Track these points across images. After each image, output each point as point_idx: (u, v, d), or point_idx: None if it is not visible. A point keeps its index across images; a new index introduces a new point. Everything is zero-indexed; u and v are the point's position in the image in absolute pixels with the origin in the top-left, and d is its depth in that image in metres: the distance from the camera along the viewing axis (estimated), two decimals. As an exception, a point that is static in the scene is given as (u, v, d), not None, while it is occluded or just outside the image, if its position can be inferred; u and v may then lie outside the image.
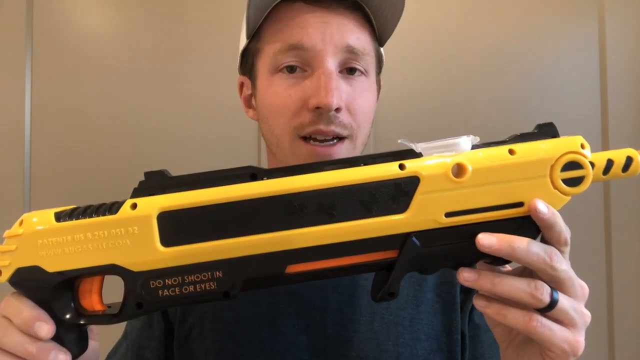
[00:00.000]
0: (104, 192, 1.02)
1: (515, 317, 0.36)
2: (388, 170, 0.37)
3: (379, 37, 0.58)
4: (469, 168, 0.36)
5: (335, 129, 0.52)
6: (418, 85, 1.02)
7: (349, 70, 0.54)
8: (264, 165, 1.00)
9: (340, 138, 0.53)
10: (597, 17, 1.02)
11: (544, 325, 0.36)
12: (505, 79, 1.02)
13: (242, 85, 0.62)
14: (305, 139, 0.53)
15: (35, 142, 1.05)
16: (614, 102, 1.01)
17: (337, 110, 0.51)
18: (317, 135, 0.52)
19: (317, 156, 0.52)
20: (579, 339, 0.37)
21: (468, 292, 0.58)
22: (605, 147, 1.00)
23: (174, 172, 0.37)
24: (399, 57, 0.98)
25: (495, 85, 1.02)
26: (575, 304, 0.37)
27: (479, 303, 0.38)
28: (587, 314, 0.38)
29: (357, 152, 0.56)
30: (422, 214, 0.36)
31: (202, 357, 0.56)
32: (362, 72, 0.55)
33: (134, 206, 0.36)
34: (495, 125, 1.01)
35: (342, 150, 0.53)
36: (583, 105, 1.01)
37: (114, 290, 0.41)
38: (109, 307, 0.39)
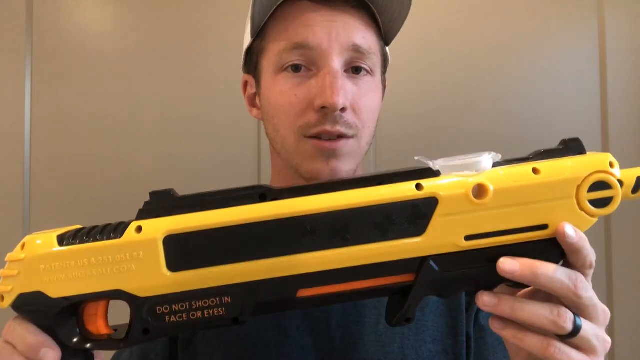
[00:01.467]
0: (105, 193, 1.02)
1: (533, 342, 0.35)
2: (404, 190, 0.35)
3: (385, 36, 0.57)
4: (491, 189, 0.34)
5: (340, 129, 0.51)
6: (418, 85, 1.01)
7: (354, 70, 0.53)
8: (264, 164, 1.00)
9: (345, 137, 0.52)
10: (597, 17, 1.01)
11: (562, 352, 0.35)
12: (505, 79, 1.01)
13: (246, 84, 0.61)
14: (310, 137, 0.52)
15: (35, 144, 1.04)
16: (614, 102, 1.00)
17: (343, 110, 0.51)
18: (322, 135, 0.52)
19: (323, 151, 0.51)
20: None
21: (473, 294, 0.57)
22: (605, 147, 1.00)
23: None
24: (399, 58, 0.96)
25: (496, 86, 1.00)
26: (597, 331, 0.36)
27: (495, 325, 0.37)
28: (608, 340, 0.37)
29: (363, 152, 0.55)
30: (440, 237, 0.35)
31: (206, 359, 0.56)
32: (367, 72, 0.54)
33: (139, 229, 0.35)
34: (495, 125, 1.00)
35: (347, 145, 0.52)
36: (583, 105, 1.00)
37: (120, 310, 0.40)
38: (115, 330, 0.38)
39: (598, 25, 1.01)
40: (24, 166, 1.03)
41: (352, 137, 0.52)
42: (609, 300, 0.99)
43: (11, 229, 1.02)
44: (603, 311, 0.37)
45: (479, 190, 0.35)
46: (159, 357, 0.58)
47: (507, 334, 0.36)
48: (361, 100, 0.53)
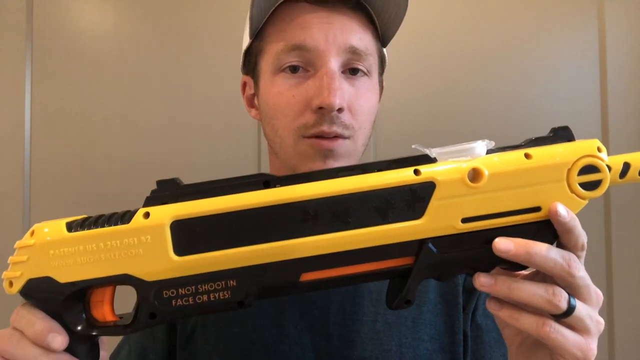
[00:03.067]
0: (105, 193, 1.02)
1: (528, 322, 0.36)
2: (403, 176, 0.36)
3: (382, 37, 0.58)
4: (486, 173, 0.36)
5: (337, 129, 0.52)
6: (418, 86, 1.02)
7: (351, 71, 0.54)
8: (264, 164, 1.01)
9: (341, 137, 0.53)
10: (597, 17, 1.02)
11: (557, 331, 0.36)
12: (505, 80, 1.02)
13: (244, 85, 0.62)
14: (308, 138, 0.53)
15: (35, 144, 1.04)
16: (614, 102, 1.01)
17: (340, 110, 0.52)
18: (319, 136, 0.52)
19: (321, 149, 0.52)
20: (592, 346, 0.37)
21: (471, 293, 0.58)
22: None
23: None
24: (398, 59, 0.98)
25: (495, 86, 1.02)
26: (590, 311, 0.37)
27: (491, 306, 0.37)
28: (601, 321, 0.38)
29: (359, 153, 0.56)
30: (438, 220, 0.36)
31: (205, 358, 0.56)
32: (364, 73, 0.55)
33: (147, 215, 0.36)
34: (495, 125, 1.01)
35: (344, 146, 0.53)
36: (583, 105, 1.01)
37: (124, 298, 0.41)
38: (121, 317, 0.38)
39: (598, 25, 1.02)
40: (24, 166, 1.03)
41: (348, 137, 0.53)
42: (608, 300, 0.99)
43: (11, 229, 1.02)
44: (596, 293, 0.38)
45: (475, 174, 0.36)
46: (158, 357, 0.58)
47: (504, 314, 0.37)
48: (358, 101, 0.53)
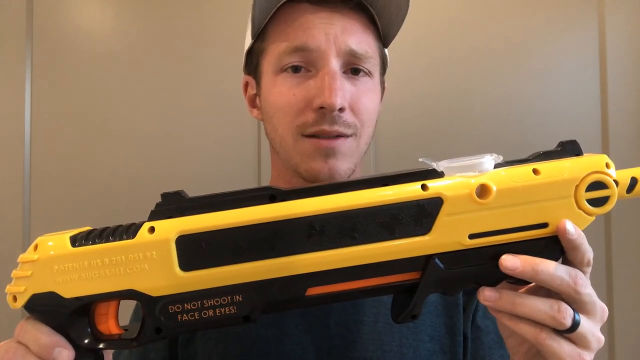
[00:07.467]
0: (105, 193, 1.01)
1: (526, 327, 0.36)
2: (410, 191, 0.36)
3: (384, 38, 0.58)
4: (494, 189, 0.36)
5: (339, 128, 0.52)
6: (418, 86, 1.01)
7: (353, 71, 0.54)
8: (264, 165, 1.01)
9: (343, 136, 0.53)
10: (597, 17, 1.02)
11: (554, 339, 0.36)
12: (504, 80, 1.01)
13: (246, 85, 0.62)
14: (308, 137, 0.53)
15: (35, 144, 1.02)
16: (614, 102, 1.01)
17: (341, 110, 0.51)
18: (320, 135, 0.52)
19: (321, 150, 0.52)
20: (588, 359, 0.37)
21: (471, 294, 0.58)
22: (605, 147, 1.00)
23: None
24: (399, 59, 0.97)
25: (495, 86, 1.01)
26: (594, 328, 0.37)
27: (487, 299, 0.37)
28: (602, 338, 0.38)
29: (361, 151, 0.56)
30: (445, 236, 0.36)
31: (206, 357, 0.56)
32: (366, 73, 0.55)
33: (152, 230, 0.35)
34: (495, 125, 1.01)
35: (345, 144, 0.53)
36: (583, 105, 1.01)
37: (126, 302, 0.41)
38: (126, 329, 0.38)
39: (598, 26, 1.01)
40: (24, 167, 1.02)
41: (350, 135, 0.53)
42: (608, 300, 0.99)
43: (11, 229, 1.01)
44: (601, 309, 0.38)
45: (482, 190, 0.36)
46: (159, 356, 0.58)
47: (503, 316, 0.37)
48: (360, 100, 0.53)
